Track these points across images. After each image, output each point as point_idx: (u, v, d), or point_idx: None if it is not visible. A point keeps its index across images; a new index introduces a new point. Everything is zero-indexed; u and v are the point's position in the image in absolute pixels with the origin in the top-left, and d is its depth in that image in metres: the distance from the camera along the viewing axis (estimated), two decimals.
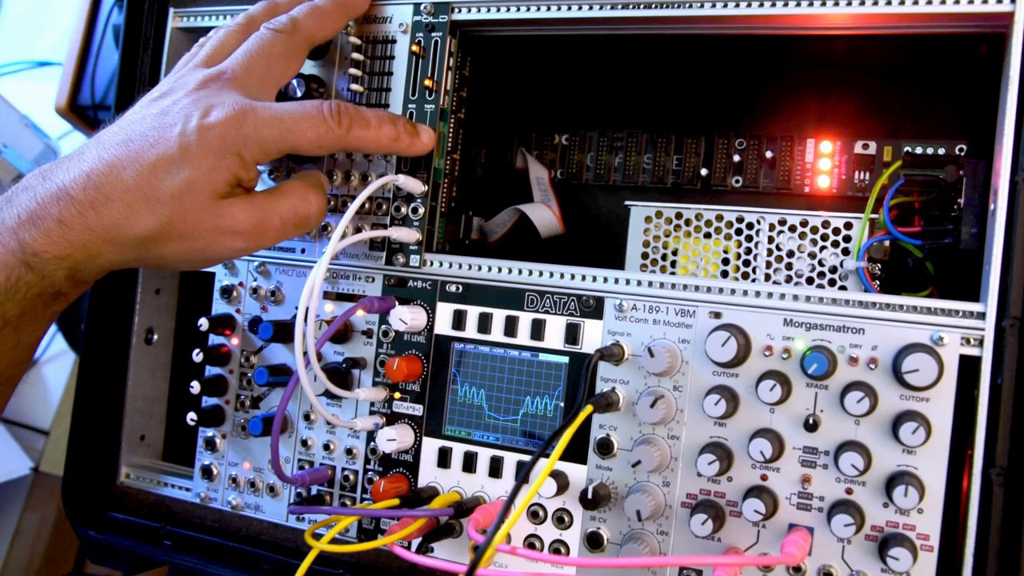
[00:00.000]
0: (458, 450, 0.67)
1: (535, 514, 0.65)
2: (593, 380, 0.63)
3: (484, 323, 0.66)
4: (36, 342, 0.62)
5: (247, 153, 0.59)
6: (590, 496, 0.61)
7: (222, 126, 0.58)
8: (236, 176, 0.59)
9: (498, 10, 0.67)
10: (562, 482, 0.63)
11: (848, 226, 0.67)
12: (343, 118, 0.62)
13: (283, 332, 0.71)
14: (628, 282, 0.63)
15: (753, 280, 0.70)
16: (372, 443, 0.70)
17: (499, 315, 0.66)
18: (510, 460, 0.66)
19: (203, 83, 0.61)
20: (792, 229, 0.69)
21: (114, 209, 0.57)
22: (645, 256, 0.73)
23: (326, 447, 0.72)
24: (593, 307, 0.64)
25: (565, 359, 0.64)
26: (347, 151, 0.64)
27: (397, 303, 0.67)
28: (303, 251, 0.73)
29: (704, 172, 0.78)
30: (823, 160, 0.74)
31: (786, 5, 0.60)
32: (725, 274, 0.71)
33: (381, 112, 0.65)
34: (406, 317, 0.66)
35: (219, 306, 0.76)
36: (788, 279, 0.69)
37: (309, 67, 0.72)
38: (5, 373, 0.61)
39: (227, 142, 0.58)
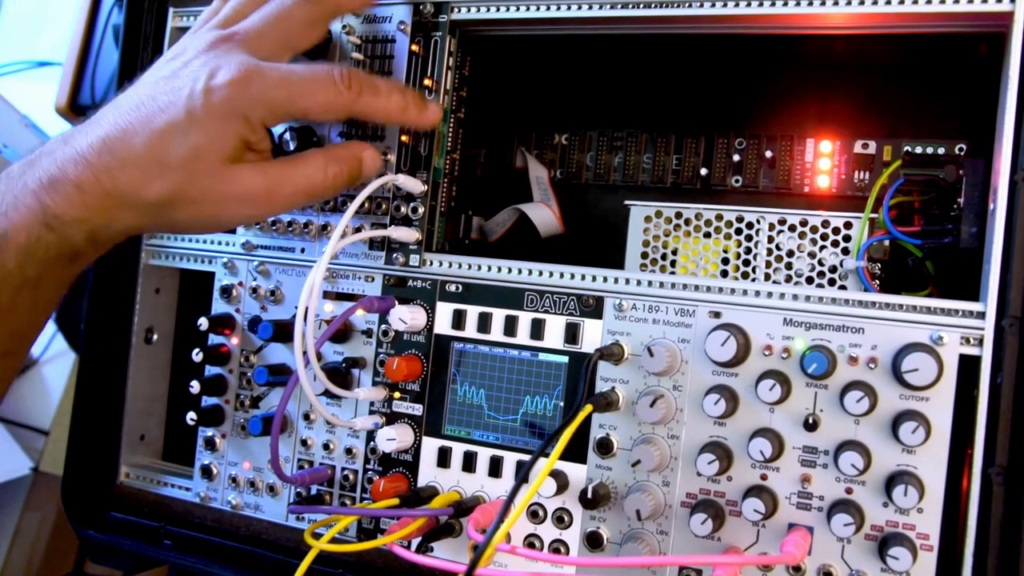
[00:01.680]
0: (458, 450, 0.67)
1: (535, 514, 0.65)
2: (593, 379, 0.63)
3: (484, 323, 0.66)
4: (55, 302, 0.62)
5: (253, 115, 0.58)
6: (590, 495, 0.61)
7: (228, 88, 0.57)
8: (243, 139, 0.59)
9: (498, 10, 0.67)
10: (562, 482, 0.63)
11: (848, 226, 0.67)
12: (353, 82, 0.61)
13: (283, 332, 0.71)
14: (628, 282, 0.63)
15: (753, 280, 0.70)
16: (372, 443, 0.70)
17: (499, 315, 0.66)
18: (510, 460, 0.66)
19: (213, 44, 0.60)
20: (792, 229, 0.69)
21: (128, 174, 0.57)
22: (645, 256, 0.73)
23: (326, 447, 0.72)
24: (593, 307, 0.64)
25: (565, 359, 0.64)
26: (356, 118, 0.63)
27: (397, 303, 0.67)
28: (303, 250, 0.73)
29: (704, 172, 0.78)
30: (823, 160, 0.74)
31: (786, 5, 0.60)
32: (725, 274, 0.71)
33: (391, 80, 0.65)
34: (406, 317, 0.66)
35: (219, 306, 0.76)
36: (788, 279, 0.69)
37: None
38: (23, 331, 0.61)
39: (233, 104, 0.57)
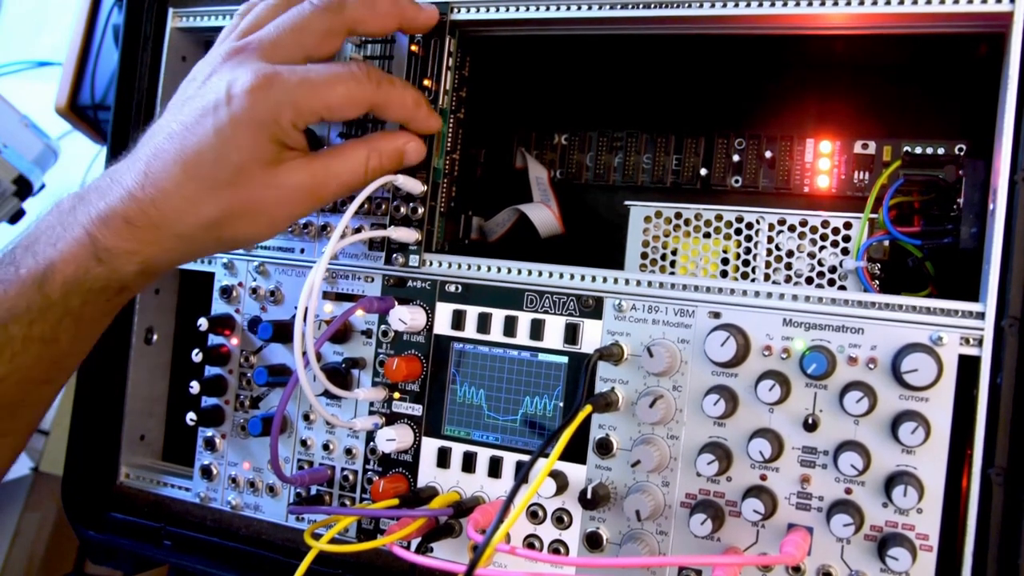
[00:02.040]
0: (457, 450, 0.67)
1: (534, 514, 0.65)
2: (592, 380, 0.63)
3: (483, 323, 0.66)
4: (98, 333, 0.63)
5: (283, 119, 0.58)
6: (589, 496, 0.61)
7: (248, 96, 0.57)
8: (278, 140, 0.59)
9: (497, 10, 0.67)
10: (561, 482, 0.63)
11: (847, 226, 0.67)
12: (371, 73, 0.61)
13: (282, 332, 0.71)
14: (627, 282, 0.63)
15: (752, 280, 0.70)
16: (371, 443, 0.70)
17: (498, 315, 0.66)
18: (509, 460, 0.66)
19: (228, 55, 0.60)
20: (791, 229, 0.69)
21: (173, 204, 0.58)
22: (644, 256, 0.73)
23: (325, 447, 0.72)
24: (592, 307, 0.64)
25: (564, 359, 0.64)
26: (375, 111, 0.64)
27: (396, 303, 0.67)
28: (302, 251, 0.73)
29: (704, 172, 0.77)
30: (822, 160, 0.74)
31: (786, 5, 0.60)
32: (724, 274, 0.71)
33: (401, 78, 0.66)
34: (405, 317, 0.66)
35: (219, 306, 0.76)
36: (787, 279, 0.69)
37: None
38: (64, 361, 0.62)
39: (257, 112, 0.57)
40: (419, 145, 0.66)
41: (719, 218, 0.71)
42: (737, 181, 0.77)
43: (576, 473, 0.64)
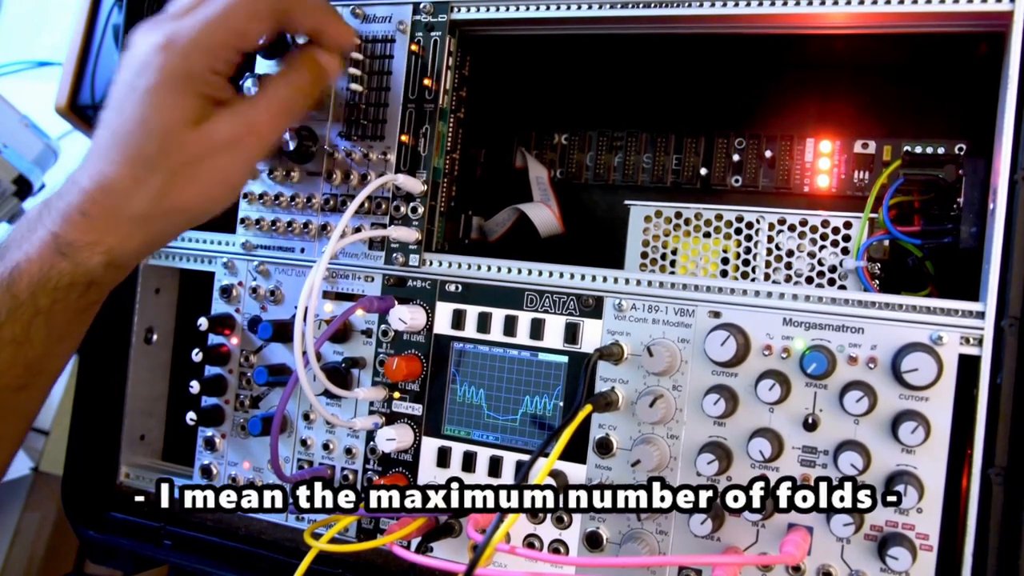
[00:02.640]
0: (457, 450, 0.67)
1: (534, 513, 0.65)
2: (592, 379, 0.63)
3: (483, 323, 0.66)
4: (73, 335, 0.63)
5: (196, 67, 0.57)
6: None
7: (157, 56, 0.57)
8: (200, 95, 0.58)
9: (497, 9, 0.67)
10: (561, 482, 0.63)
11: (848, 225, 0.67)
12: None
13: (282, 332, 0.71)
14: (627, 281, 0.63)
15: (752, 279, 0.70)
16: (371, 443, 0.70)
17: (498, 315, 0.66)
18: (509, 460, 0.66)
19: (143, 33, 0.60)
20: (791, 228, 0.69)
21: (120, 187, 0.58)
22: (644, 255, 0.73)
23: (325, 447, 0.72)
24: (592, 307, 0.64)
25: (564, 359, 0.64)
26: (286, 23, 0.61)
27: (396, 303, 0.67)
28: (302, 250, 0.73)
29: (704, 172, 0.78)
30: (823, 159, 0.74)
31: (786, 4, 0.60)
32: (724, 273, 0.71)
33: None
34: (405, 317, 0.66)
35: (218, 306, 0.76)
36: (787, 278, 0.69)
37: None
38: (40, 365, 0.61)
39: (170, 71, 0.57)
40: (332, 58, 0.64)
41: (719, 218, 0.71)
42: (737, 181, 0.77)
43: (576, 473, 0.64)
